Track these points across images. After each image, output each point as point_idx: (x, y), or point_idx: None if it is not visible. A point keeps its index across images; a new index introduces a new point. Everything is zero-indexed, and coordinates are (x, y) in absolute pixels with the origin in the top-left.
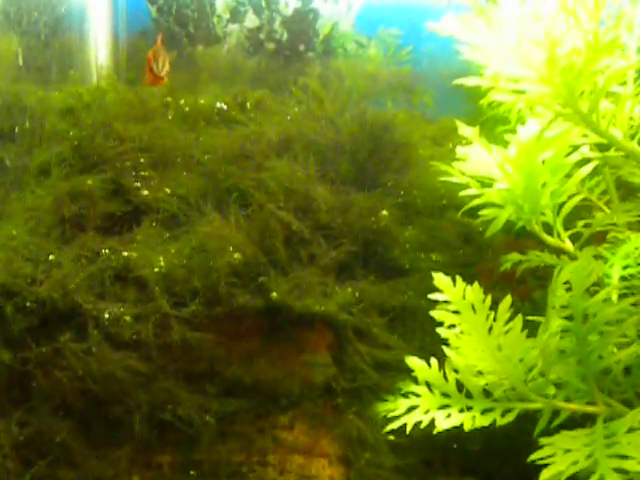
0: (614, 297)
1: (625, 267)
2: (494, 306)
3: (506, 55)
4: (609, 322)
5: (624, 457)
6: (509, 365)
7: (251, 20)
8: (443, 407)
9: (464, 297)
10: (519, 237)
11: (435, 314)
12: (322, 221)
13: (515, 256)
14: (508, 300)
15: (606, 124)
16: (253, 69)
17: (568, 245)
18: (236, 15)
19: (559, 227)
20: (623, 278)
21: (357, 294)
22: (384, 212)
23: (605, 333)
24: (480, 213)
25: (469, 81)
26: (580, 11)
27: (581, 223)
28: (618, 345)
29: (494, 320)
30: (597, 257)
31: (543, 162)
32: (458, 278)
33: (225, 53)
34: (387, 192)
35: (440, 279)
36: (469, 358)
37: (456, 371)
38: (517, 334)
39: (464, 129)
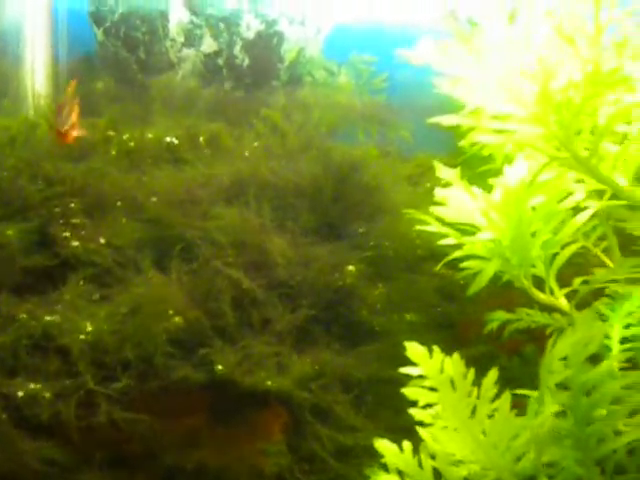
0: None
1: (627, 326)
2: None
3: (491, 89)
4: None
5: None
6: (495, 453)
7: (209, 44)
8: None
9: (442, 371)
10: (505, 288)
11: (407, 392)
12: (278, 279)
13: (502, 315)
14: (493, 375)
15: (608, 169)
16: (210, 99)
17: (563, 303)
18: (191, 39)
19: (552, 282)
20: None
21: (317, 366)
22: (350, 267)
23: (609, 412)
24: (462, 266)
25: (447, 119)
26: (578, 37)
27: (578, 280)
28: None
29: (477, 398)
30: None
31: (533, 209)
32: (435, 348)
33: (179, 81)
34: (354, 244)
35: (413, 349)
36: (447, 445)
37: (433, 458)
38: (504, 416)
39: (442, 170)
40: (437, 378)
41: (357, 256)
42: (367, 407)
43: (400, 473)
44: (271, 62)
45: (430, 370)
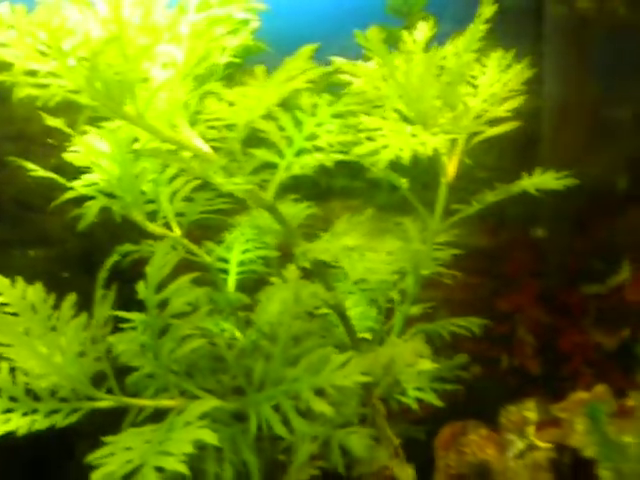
0: (231, 285)
1: (244, 251)
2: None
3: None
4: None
5: (168, 454)
6: (67, 365)
7: None
8: (8, 411)
9: (24, 298)
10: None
11: None
12: None
13: (127, 247)
14: (72, 298)
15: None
16: None
17: (177, 234)
18: None
19: (168, 214)
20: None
21: None
22: None
23: (174, 326)
24: (85, 205)
25: None
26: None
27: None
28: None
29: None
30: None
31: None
32: (18, 279)
33: None
34: None
35: None
36: (29, 362)
37: (27, 374)
38: (73, 334)
39: (49, 120)
40: (19, 305)
41: None
42: None
43: None
44: None
45: (13, 298)
